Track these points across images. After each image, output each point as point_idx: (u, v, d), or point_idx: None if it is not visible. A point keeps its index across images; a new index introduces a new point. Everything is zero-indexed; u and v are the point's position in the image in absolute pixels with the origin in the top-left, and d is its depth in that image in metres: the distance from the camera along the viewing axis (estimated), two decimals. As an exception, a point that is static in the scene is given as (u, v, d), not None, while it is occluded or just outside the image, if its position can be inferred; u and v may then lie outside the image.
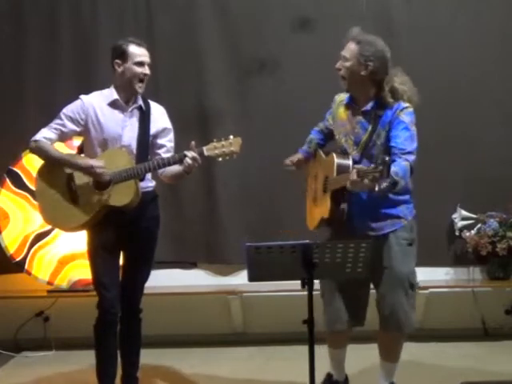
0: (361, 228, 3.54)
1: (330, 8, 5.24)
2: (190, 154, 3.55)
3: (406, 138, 3.43)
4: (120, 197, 3.65)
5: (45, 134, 3.76)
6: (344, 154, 3.58)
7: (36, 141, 3.75)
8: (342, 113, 3.66)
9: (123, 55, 3.73)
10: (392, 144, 3.44)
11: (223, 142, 3.60)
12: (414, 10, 5.24)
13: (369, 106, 3.54)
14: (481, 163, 5.16)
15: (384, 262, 3.55)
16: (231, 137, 3.60)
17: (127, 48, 3.73)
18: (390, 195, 3.50)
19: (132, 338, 3.90)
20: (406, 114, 3.48)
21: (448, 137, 5.17)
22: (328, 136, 3.84)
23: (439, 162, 5.11)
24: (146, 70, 3.75)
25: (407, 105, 3.51)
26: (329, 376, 3.89)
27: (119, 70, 3.75)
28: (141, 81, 3.75)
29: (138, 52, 3.74)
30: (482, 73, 5.17)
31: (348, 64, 3.51)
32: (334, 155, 3.55)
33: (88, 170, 3.66)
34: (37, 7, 5.38)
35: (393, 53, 5.18)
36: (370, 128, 3.52)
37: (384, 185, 3.12)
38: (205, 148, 3.60)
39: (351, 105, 3.62)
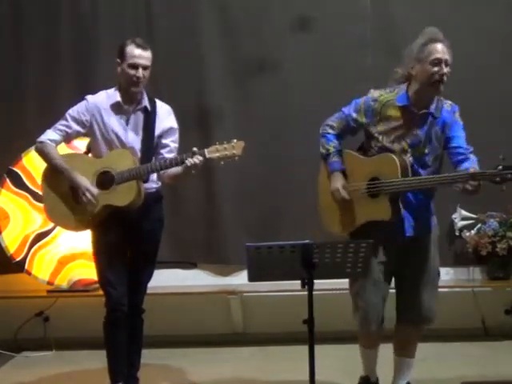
0: (409, 229, 3.53)
1: (330, 8, 5.24)
2: (192, 159, 3.54)
3: (465, 138, 3.55)
4: (122, 197, 3.65)
5: (50, 136, 3.77)
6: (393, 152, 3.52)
7: (41, 142, 3.77)
8: (394, 115, 3.52)
9: (121, 55, 3.69)
10: (455, 144, 3.51)
11: (225, 145, 3.56)
12: (414, 10, 5.24)
13: (432, 108, 3.50)
14: (481, 163, 5.15)
15: (424, 259, 3.58)
16: (234, 140, 3.58)
17: (125, 48, 3.68)
18: (430, 196, 3.62)
19: (133, 338, 3.89)
20: (459, 116, 3.57)
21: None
22: (346, 136, 3.71)
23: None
24: (139, 73, 3.66)
25: (458, 106, 3.59)
26: (366, 379, 3.80)
27: (118, 69, 3.73)
28: (134, 84, 3.68)
29: (133, 53, 3.66)
30: (482, 72, 5.18)
31: (449, 69, 3.46)
32: (393, 156, 3.47)
33: (81, 191, 3.67)
34: (37, 7, 5.39)
35: (392, 53, 5.22)
36: (426, 130, 3.50)
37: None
38: (206, 150, 3.57)
39: (408, 107, 3.50)
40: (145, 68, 3.69)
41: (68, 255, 5.14)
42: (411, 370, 3.73)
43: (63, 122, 3.78)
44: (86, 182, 3.68)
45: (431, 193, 3.63)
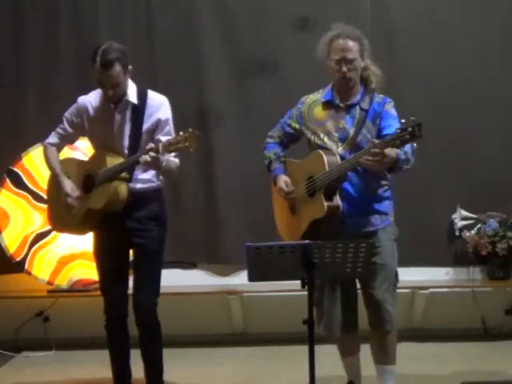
0: (352, 224, 3.45)
1: (329, 8, 5.23)
2: (144, 156, 3.44)
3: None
4: (97, 199, 3.61)
5: (50, 139, 3.83)
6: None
7: (44, 145, 3.84)
8: (320, 113, 3.56)
9: (95, 76, 3.55)
10: (387, 132, 3.38)
11: (179, 137, 3.40)
12: (414, 10, 5.24)
13: (356, 99, 3.50)
14: (481, 163, 5.16)
15: (375, 259, 3.44)
16: (190, 129, 3.37)
17: (94, 65, 3.51)
18: (377, 191, 3.52)
19: (144, 345, 3.91)
20: (392, 108, 3.52)
21: (448, 137, 5.16)
22: (287, 144, 3.74)
23: (439, 162, 5.12)
24: (109, 93, 3.53)
25: (391, 99, 3.54)
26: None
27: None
28: (112, 101, 3.60)
29: (98, 73, 3.49)
30: (482, 75, 5.17)
31: (356, 64, 3.46)
32: (320, 151, 3.45)
33: (64, 195, 3.69)
34: (37, 7, 5.38)
35: (392, 53, 5.22)
36: (356, 122, 3.47)
37: (408, 149, 3.20)
38: (160, 145, 3.43)
39: (332, 102, 3.53)
40: (112, 85, 3.53)
41: (68, 255, 5.15)
42: (392, 379, 3.55)
43: (61, 125, 3.81)
44: (67, 187, 3.69)
45: (373, 188, 3.51)
